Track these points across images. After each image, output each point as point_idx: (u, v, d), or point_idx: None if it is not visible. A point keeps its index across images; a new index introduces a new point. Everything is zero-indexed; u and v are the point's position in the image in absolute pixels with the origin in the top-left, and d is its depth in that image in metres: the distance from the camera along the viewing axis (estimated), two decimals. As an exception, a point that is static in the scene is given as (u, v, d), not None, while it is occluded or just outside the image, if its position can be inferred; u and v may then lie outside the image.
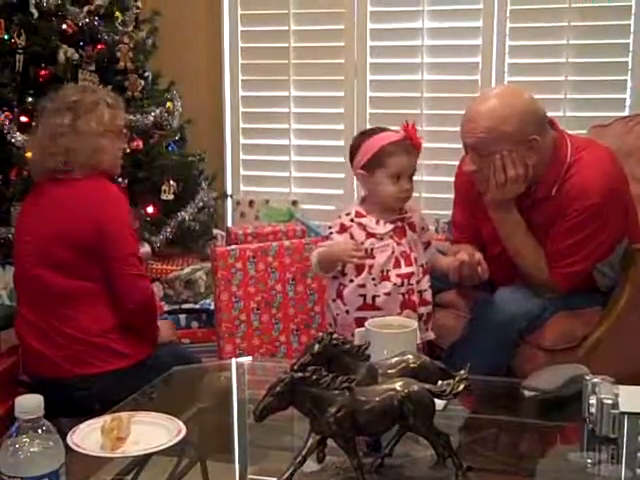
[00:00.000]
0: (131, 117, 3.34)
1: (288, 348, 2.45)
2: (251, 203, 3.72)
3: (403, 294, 2.13)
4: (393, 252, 2.13)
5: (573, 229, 2.22)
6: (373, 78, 3.65)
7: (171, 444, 1.44)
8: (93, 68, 3.39)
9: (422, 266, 2.19)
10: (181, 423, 1.49)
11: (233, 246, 2.52)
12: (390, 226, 2.14)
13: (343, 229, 2.15)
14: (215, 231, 3.36)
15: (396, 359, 1.44)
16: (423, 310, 2.17)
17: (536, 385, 1.69)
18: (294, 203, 3.68)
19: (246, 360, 2.16)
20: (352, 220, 2.15)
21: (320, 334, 1.35)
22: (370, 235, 2.13)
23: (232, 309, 2.41)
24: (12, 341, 2.76)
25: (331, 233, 2.18)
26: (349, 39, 3.64)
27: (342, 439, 1.27)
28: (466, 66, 3.52)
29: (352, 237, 2.13)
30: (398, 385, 1.29)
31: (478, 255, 2.20)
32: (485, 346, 2.19)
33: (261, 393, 1.26)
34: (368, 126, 3.65)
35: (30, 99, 3.28)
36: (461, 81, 3.52)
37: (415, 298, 2.15)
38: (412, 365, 1.43)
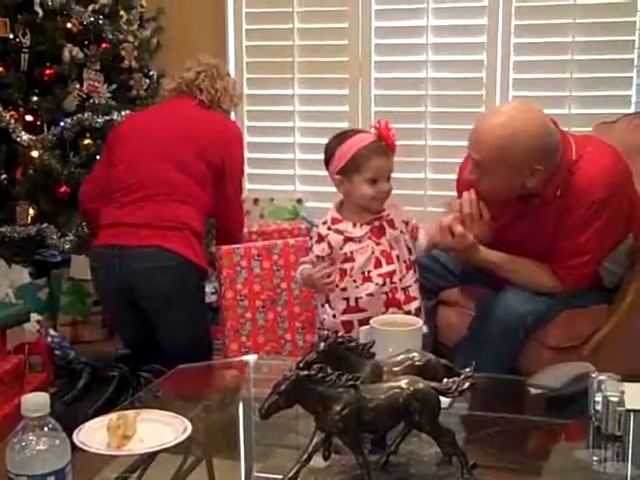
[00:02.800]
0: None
1: (293, 346, 2.45)
2: (256, 201, 3.71)
3: (386, 293, 2.11)
4: (373, 252, 2.12)
5: (580, 226, 2.21)
6: (378, 76, 3.65)
7: (177, 442, 1.44)
8: (98, 67, 3.41)
9: (405, 262, 2.17)
10: (187, 421, 1.49)
11: (238, 244, 2.52)
12: (367, 227, 2.13)
13: (321, 238, 2.15)
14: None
15: (401, 357, 1.44)
16: (410, 307, 2.14)
17: (542, 383, 1.69)
18: (299, 201, 3.67)
19: (251, 358, 2.16)
20: (329, 228, 2.15)
21: (326, 332, 1.35)
22: (348, 239, 2.12)
23: (237, 307, 2.41)
24: (18, 340, 2.78)
25: (311, 245, 2.18)
26: (353, 37, 3.64)
27: (347, 437, 1.27)
28: (471, 64, 3.51)
29: (330, 245, 2.13)
30: (403, 383, 1.29)
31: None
32: (490, 344, 2.19)
33: (266, 391, 1.26)
34: (373, 124, 3.65)
35: (35, 98, 3.30)
36: (466, 79, 3.51)
37: (400, 296, 2.13)
38: (417, 363, 1.43)
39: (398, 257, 2.15)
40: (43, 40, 3.31)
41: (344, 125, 3.68)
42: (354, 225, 2.14)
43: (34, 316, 2.93)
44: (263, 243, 2.51)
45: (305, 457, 1.27)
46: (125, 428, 1.46)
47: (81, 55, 3.36)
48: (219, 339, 2.59)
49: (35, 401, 1.14)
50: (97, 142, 3.24)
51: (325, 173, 3.70)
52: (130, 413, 1.51)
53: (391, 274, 2.12)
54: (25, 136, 3.20)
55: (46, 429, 1.13)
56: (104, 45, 3.45)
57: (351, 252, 2.12)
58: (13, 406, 2.57)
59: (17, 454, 1.12)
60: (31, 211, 3.15)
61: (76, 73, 3.35)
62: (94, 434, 1.46)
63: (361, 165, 2.11)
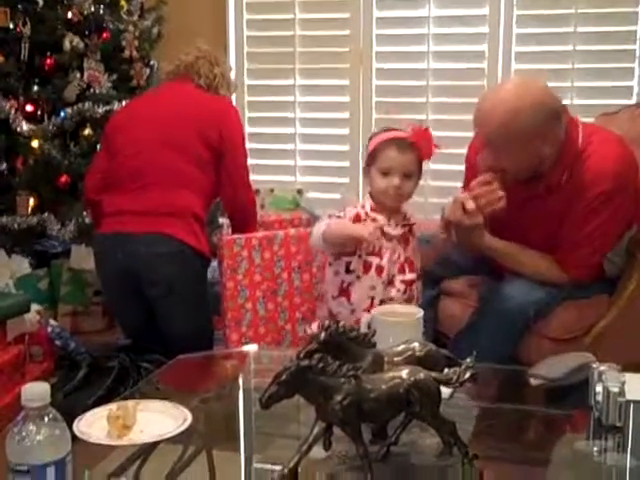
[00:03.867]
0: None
1: (294, 337, 2.44)
2: (256, 192, 3.70)
3: (406, 301, 2.08)
4: (399, 257, 2.11)
5: (587, 216, 2.20)
6: (379, 66, 3.64)
7: (177, 432, 1.44)
8: (98, 57, 3.40)
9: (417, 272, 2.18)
10: (187, 411, 1.49)
11: (239, 234, 2.52)
12: (400, 230, 2.12)
13: (358, 219, 2.11)
14: (221, 220, 3.35)
15: (402, 347, 1.43)
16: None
17: (542, 373, 1.69)
18: (299, 192, 3.67)
19: (252, 348, 2.16)
20: (367, 214, 2.12)
21: (326, 322, 1.35)
22: (382, 234, 2.10)
23: (238, 297, 2.40)
24: (18, 330, 2.78)
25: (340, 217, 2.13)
26: (355, 27, 3.63)
27: (348, 427, 1.27)
28: (473, 54, 3.50)
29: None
30: (404, 373, 1.29)
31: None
32: (491, 335, 2.18)
33: (267, 381, 1.25)
34: (374, 114, 3.65)
35: (35, 88, 3.29)
36: (467, 69, 3.50)
37: (414, 305, 2.08)
38: (418, 353, 1.42)
39: (417, 268, 2.15)
40: (43, 30, 3.30)
41: (345, 116, 3.68)
42: (389, 221, 2.11)
43: (34, 306, 2.93)
44: (264, 233, 2.50)
45: (305, 447, 1.27)
46: (125, 418, 1.46)
47: (82, 45, 3.35)
48: (219, 329, 2.59)
49: (35, 391, 1.14)
50: (97, 132, 3.23)
51: (326, 163, 3.73)
52: (130, 403, 1.50)
53: (411, 282, 2.11)
54: (25, 126, 3.20)
55: (46, 419, 1.13)
56: (105, 35, 3.45)
57: (380, 247, 2.09)
58: (13, 396, 2.57)
59: (17, 444, 1.12)
60: (31, 201, 3.15)
61: (77, 63, 3.34)
62: (94, 424, 1.46)
63: (377, 156, 2.10)
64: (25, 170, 3.18)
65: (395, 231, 2.11)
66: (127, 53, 3.50)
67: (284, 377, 1.25)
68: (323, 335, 1.32)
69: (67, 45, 3.32)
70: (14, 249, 3.13)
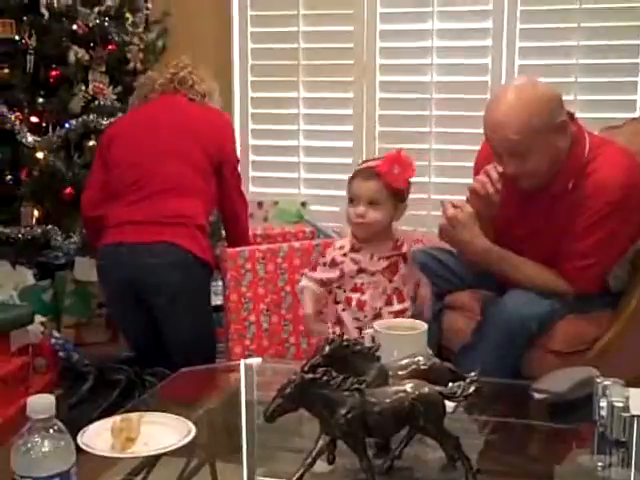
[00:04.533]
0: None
1: (297, 350, 2.45)
2: (260, 204, 3.71)
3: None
4: (384, 290, 2.08)
5: (593, 227, 2.19)
6: (382, 79, 3.65)
7: (181, 445, 1.44)
8: (103, 69, 3.41)
9: (411, 298, 2.14)
10: (191, 424, 1.49)
11: (243, 247, 2.53)
12: (384, 263, 2.09)
13: (334, 264, 2.08)
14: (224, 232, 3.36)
15: (406, 361, 1.44)
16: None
17: (546, 388, 1.68)
18: (303, 204, 3.67)
19: (255, 361, 2.16)
20: (345, 255, 2.09)
21: (330, 336, 1.35)
22: (361, 270, 2.07)
23: (241, 310, 2.41)
24: (22, 341, 2.78)
25: (320, 263, 2.11)
26: (359, 40, 3.64)
27: (352, 441, 1.27)
28: (476, 67, 3.51)
29: (342, 272, 2.06)
30: (408, 387, 1.29)
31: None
32: (494, 348, 2.18)
33: (270, 395, 1.26)
34: (377, 127, 3.66)
35: (41, 100, 3.30)
36: (471, 82, 3.51)
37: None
38: (422, 367, 1.42)
39: (408, 294, 2.12)
40: (49, 42, 3.31)
41: (349, 128, 3.68)
42: (371, 257, 2.08)
43: (38, 318, 2.93)
44: (268, 246, 2.52)
45: (309, 461, 1.27)
46: (129, 431, 1.46)
47: (87, 57, 3.36)
48: (222, 342, 2.59)
49: (41, 403, 1.14)
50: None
51: (329, 176, 3.74)
52: (134, 416, 1.51)
53: (402, 312, 2.08)
54: (30, 137, 3.20)
55: (51, 431, 1.13)
56: (110, 47, 3.46)
57: (361, 284, 2.07)
58: (17, 408, 2.57)
59: (22, 456, 1.12)
60: (36, 212, 3.15)
61: (82, 75, 3.35)
62: (98, 436, 1.46)
63: (348, 189, 2.11)
64: (30, 181, 3.18)
65: (377, 265, 2.08)
66: (132, 65, 3.52)
67: (288, 390, 1.25)
68: (327, 349, 1.32)
69: (72, 57, 3.33)
70: (18, 260, 3.13)
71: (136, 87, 3.13)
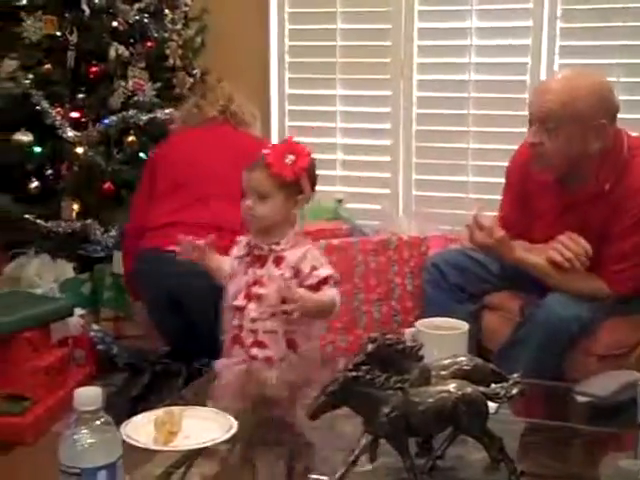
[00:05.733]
0: (177, 113, 3.38)
1: (335, 347, 2.45)
2: (297, 201, 3.72)
3: (234, 327, 1.95)
4: (240, 280, 1.96)
5: (631, 228, 2.18)
6: (420, 78, 3.63)
7: (222, 439, 1.45)
8: (143, 65, 3.44)
9: (271, 306, 1.91)
10: (232, 419, 1.50)
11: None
12: (243, 250, 1.97)
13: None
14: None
15: (449, 360, 1.43)
16: (255, 351, 1.93)
17: (589, 391, 1.67)
18: (339, 201, 3.67)
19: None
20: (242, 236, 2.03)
21: (373, 334, 1.35)
22: (236, 257, 1.99)
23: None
24: (62, 333, 2.81)
25: None
26: (396, 38, 3.62)
27: (395, 439, 1.27)
28: (515, 66, 3.48)
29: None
30: (452, 387, 1.28)
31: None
32: (535, 350, 2.16)
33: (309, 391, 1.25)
34: (414, 127, 3.64)
35: (81, 95, 3.34)
36: (509, 81, 3.48)
37: (245, 336, 1.94)
38: (465, 367, 1.41)
39: (261, 298, 1.92)
40: (89, 38, 3.34)
41: (386, 126, 3.68)
42: (246, 244, 1.97)
43: (77, 310, 2.96)
44: (305, 243, 2.51)
45: (352, 459, 1.27)
46: (171, 424, 1.47)
47: (126, 53, 3.39)
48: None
49: (88, 395, 1.15)
50: (141, 139, 3.28)
51: (366, 174, 3.73)
52: (176, 409, 1.52)
53: (241, 309, 1.94)
54: (71, 132, 3.24)
55: (98, 423, 1.14)
56: (149, 44, 3.49)
57: (231, 271, 1.98)
58: (57, 398, 2.61)
59: (69, 447, 1.13)
60: (75, 207, 3.19)
61: (121, 71, 3.38)
62: (140, 429, 1.47)
63: None
64: (70, 176, 3.22)
65: (239, 251, 1.99)
66: (171, 62, 3.55)
67: (332, 388, 1.26)
68: (370, 347, 1.32)
69: (112, 53, 3.36)
70: (58, 254, 3.17)
71: (182, 114, 3.14)
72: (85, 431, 1.14)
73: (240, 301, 1.91)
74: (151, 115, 3.31)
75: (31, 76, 3.25)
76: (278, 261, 1.91)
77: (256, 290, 1.91)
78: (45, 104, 3.23)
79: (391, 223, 3.33)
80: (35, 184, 3.19)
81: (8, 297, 2.90)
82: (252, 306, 1.91)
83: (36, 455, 2.36)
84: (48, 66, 3.29)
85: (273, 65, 3.84)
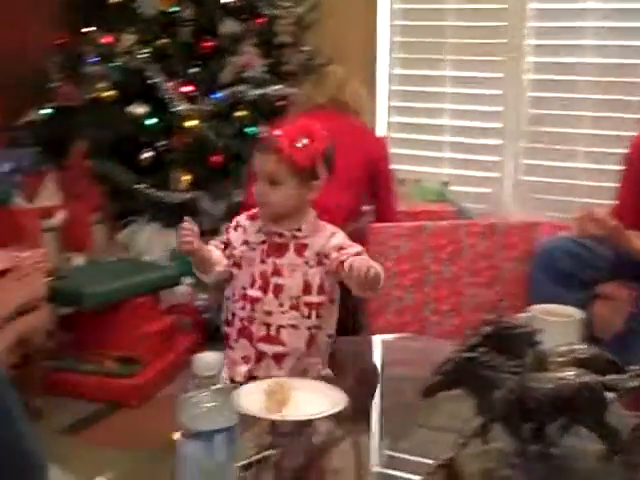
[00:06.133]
0: (287, 90, 3.41)
1: (439, 329, 2.43)
2: (402, 182, 3.69)
3: (242, 319, 1.74)
4: (255, 269, 1.73)
5: None
6: (533, 60, 3.54)
7: (330, 413, 1.46)
8: (254, 41, 3.47)
9: (293, 299, 1.71)
10: (343, 394, 1.50)
11: (388, 223, 2.52)
12: (262, 237, 1.74)
13: (227, 228, 1.82)
14: (365, 207, 3.38)
15: (565, 348, 1.39)
16: (266, 347, 1.72)
17: None
18: (445, 184, 3.63)
19: (395, 337, 2.15)
20: (245, 218, 1.79)
21: (490, 316, 1.33)
22: (244, 242, 1.75)
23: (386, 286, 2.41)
24: (170, 301, 2.89)
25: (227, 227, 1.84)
26: (511, 19, 3.54)
27: (508, 423, 1.25)
28: (635, 49, 3.35)
29: (228, 241, 1.77)
30: (571, 374, 1.25)
31: None
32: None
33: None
34: (526, 110, 3.55)
35: (194, 70, 3.40)
36: (628, 65, 3.35)
37: (256, 329, 1.72)
38: (582, 355, 1.37)
39: (279, 288, 1.71)
40: (203, 14, 3.40)
41: (498, 109, 3.60)
42: (259, 230, 1.74)
43: (185, 280, 3.03)
44: (414, 223, 2.50)
45: (463, 441, 1.25)
46: (281, 394, 1.49)
47: (239, 29, 3.44)
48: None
49: (208, 360, 1.17)
50: (250, 114, 3.32)
51: (474, 157, 3.67)
52: (286, 380, 1.54)
53: (253, 301, 1.73)
54: (183, 106, 3.31)
55: (216, 387, 1.17)
56: (261, 20, 3.52)
57: (241, 257, 1.74)
58: (165, 364, 2.70)
59: (189, 410, 1.16)
60: (186, 178, 3.26)
61: (233, 47, 3.43)
62: (251, 397, 1.50)
63: None
64: (180, 148, 3.30)
65: (257, 237, 1.75)
66: (281, 39, 3.57)
67: (447, 368, 1.24)
68: (486, 329, 1.30)
69: (225, 29, 3.41)
70: (168, 223, 3.25)
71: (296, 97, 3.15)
72: (204, 395, 1.16)
73: (255, 291, 1.71)
74: (261, 91, 3.34)
75: (147, 50, 3.33)
76: (300, 249, 1.71)
77: (275, 281, 1.70)
78: (159, 78, 3.30)
79: (498, 207, 3.27)
80: (147, 155, 3.27)
81: (119, 264, 3.00)
82: (269, 298, 1.70)
83: (140, 417, 2.45)
84: (164, 41, 3.36)
85: (380, 45, 3.81)
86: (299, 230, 1.71)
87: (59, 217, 3.10)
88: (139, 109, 3.29)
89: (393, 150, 3.83)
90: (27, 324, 1.60)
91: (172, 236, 3.23)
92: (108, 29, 3.40)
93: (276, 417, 1.47)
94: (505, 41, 3.55)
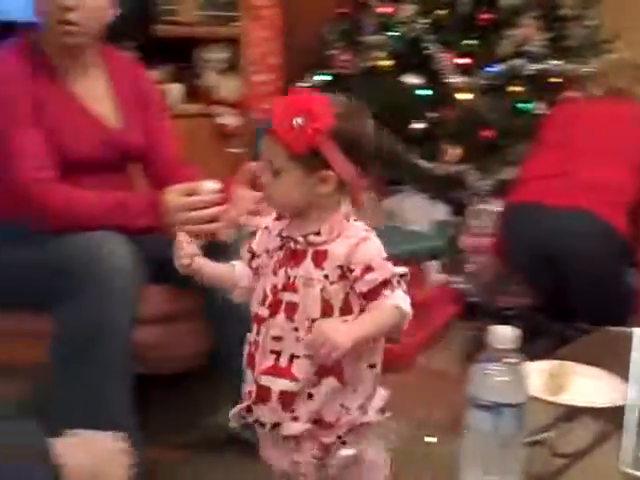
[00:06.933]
0: (567, 66, 3.29)
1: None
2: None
3: (250, 344, 1.32)
4: (267, 281, 1.31)
5: None
6: None
7: (605, 405, 1.40)
8: (535, 14, 3.37)
9: (309, 320, 1.24)
10: (625, 386, 1.43)
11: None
12: (274, 242, 1.32)
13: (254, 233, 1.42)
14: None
15: None
16: (265, 382, 1.27)
17: None
18: None
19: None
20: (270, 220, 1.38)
21: None
22: (266, 249, 1.34)
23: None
24: (433, 272, 2.89)
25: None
26: None
27: None
28: None
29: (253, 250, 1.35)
30: None
31: None
32: None
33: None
34: None
35: (469, 42, 3.37)
36: None
37: (259, 356, 1.29)
38: None
39: (292, 308, 1.27)
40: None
41: None
42: (280, 233, 1.32)
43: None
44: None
45: None
46: (563, 377, 1.47)
47: (519, 1, 3.35)
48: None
49: (505, 333, 1.17)
50: (527, 90, 3.24)
51: None
52: (568, 364, 1.50)
53: (260, 321, 1.31)
54: (456, 78, 3.29)
55: (512, 361, 1.16)
56: (541, -7, 3.41)
57: (257, 267, 1.35)
58: (425, 334, 2.76)
59: (482, 380, 1.17)
60: (456, 152, 3.25)
61: (513, 19, 3.35)
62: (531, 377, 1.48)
63: None
64: (452, 121, 3.29)
65: (273, 242, 1.32)
66: (563, 12, 3.43)
67: None
68: None
69: (505, 1, 3.35)
70: (434, 195, 3.28)
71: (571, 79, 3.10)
72: (498, 368, 1.17)
73: (262, 310, 1.31)
74: (540, 66, 3.24)
75: (426, 21, 3.35)
76: (318, 258, 1.28)
77: (287, 297, 1.28)
78: (435, 49, 3.31)
79: None
80: (418, 126, 3.30)
81: (387, 231, 3.06)
82: (279, 320, 1.28)
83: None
84: (443, 12, 3.36)
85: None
86: (318, 234, 1.28)
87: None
88: (413, 79, 3.32)
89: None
90: None
91: (438, 208, 3.25)
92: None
93: (554, 399, 1.45)
94: None
